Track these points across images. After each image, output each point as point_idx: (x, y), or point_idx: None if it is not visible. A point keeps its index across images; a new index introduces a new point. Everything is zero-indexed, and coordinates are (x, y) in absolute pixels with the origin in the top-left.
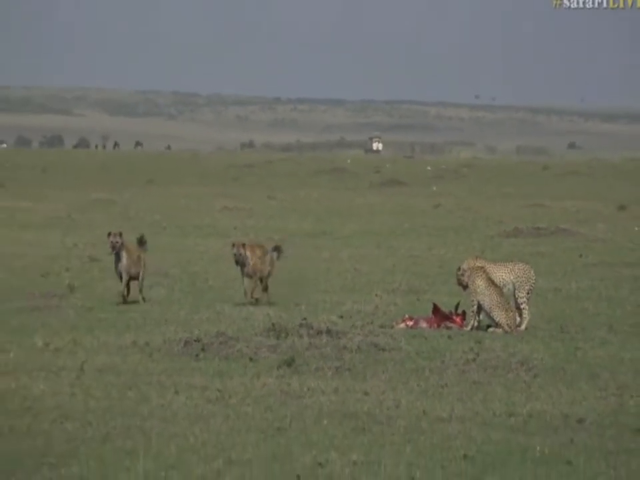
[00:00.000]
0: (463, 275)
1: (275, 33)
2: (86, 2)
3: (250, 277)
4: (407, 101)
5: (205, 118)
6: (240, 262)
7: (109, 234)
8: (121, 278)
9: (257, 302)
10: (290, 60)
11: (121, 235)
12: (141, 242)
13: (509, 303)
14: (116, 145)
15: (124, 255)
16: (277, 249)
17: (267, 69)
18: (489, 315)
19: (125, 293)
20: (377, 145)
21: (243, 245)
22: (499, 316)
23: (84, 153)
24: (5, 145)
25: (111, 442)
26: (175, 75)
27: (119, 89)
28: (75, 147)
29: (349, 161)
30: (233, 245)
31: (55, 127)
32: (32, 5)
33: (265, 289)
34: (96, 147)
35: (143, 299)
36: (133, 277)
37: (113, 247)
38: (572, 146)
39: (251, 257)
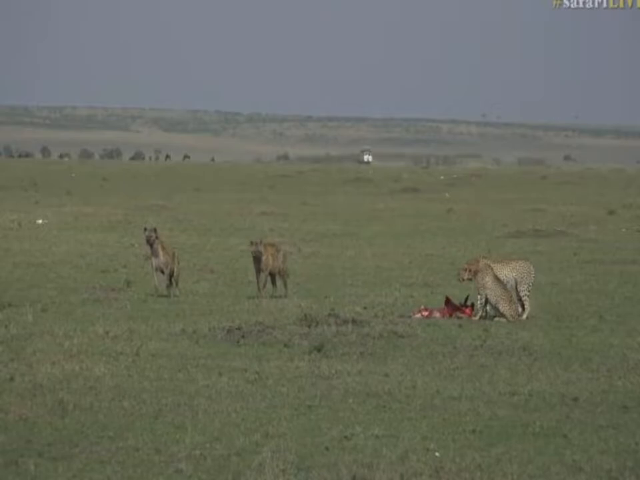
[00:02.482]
0: (472, 264)
1: (306, 61)
2: (142, 36)
3: (262, 271)
4: (423, 118)
5: (245, 134)
6: (258, 258)
7: (145, 229)
8: (162, 272)
9: (270, 297)
10: (320, 83)
11: (155, 230)
12: None
13: (512, 296)
14: (167, 157)
15: (160, 251)
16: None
17: (300, 91)
18: (494, 307)
19: (168, 286)
20: (367, 157)
21: (260, 242)
22: (504, 308)
23: (139, 164)
24: (67, 159)
25: (162, 417)
26: (220, 96)
27: (170, 108)
28: (132, 159)
29: (371, 172)
30: (251, 243)
31: (114, 141)
32: (95, 36)
33: (285, 284)
34: (150, 158)
35: (175, 295)
36: (164, 272)
37: (148, 240)
38: (567, 158)
39: (264, 253)
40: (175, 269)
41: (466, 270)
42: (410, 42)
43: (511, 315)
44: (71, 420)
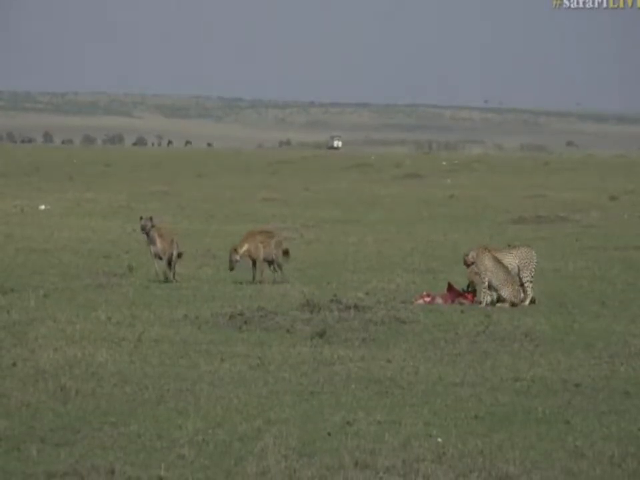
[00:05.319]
0: (467, 254)
1: (309, 47)
2: (146, 23)
3: (256, 262)
4: (425, 104)
5: (247, 119)
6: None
7: (141, 217)
8: (160, 258)
9: (272, 282)
10: (322, 69)
11: (151, 219)
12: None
13: (514, 280)
14: (170, 143)
15: (157, 238)
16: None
17: (303, 76)
18: (497, 291)
19: (167, 271)
20: (337, 143)
21: (235, 250)
22: (506, 292)
23: (142, 150)
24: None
25: (164, 403)
26: (222, 82)
27: (173, 94)
28: (134, 144)
29: (373, 157)
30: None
31: (116, 127)
32: (97, 22)
33: (280, 268)
34: (152, 144)
35: (175, 279)
36: (162, 258)
37: (143, 229)
38: (569, 144)
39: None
40: (174, 255)
41: (468, 265)
42: (412, 28)
43: (514, 297)
44: (73, 406)
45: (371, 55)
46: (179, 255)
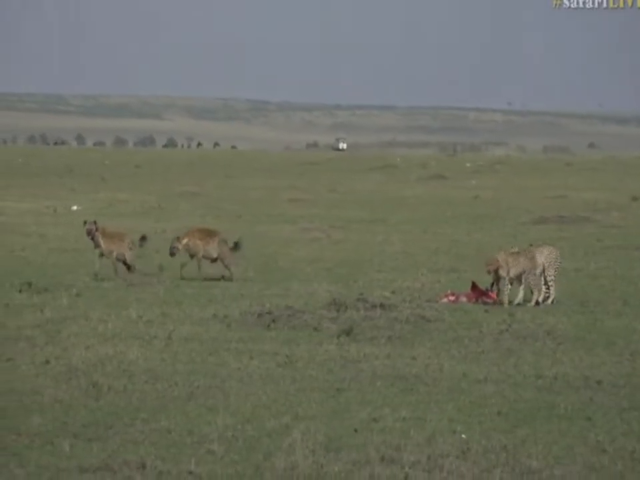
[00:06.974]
0: (491, 265)
1: (337, 51)
2: (175, 26)
3: (192, 257)
4: (449, 107)
5: (275, 122)
6: (173, 254)
7: (85, 222)
8: (102, 256)
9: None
10: (348, 73)
11: (95, 222)
12: (142, 238)
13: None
14: (199, 144)
15: (100, 239)
16: (237, 244)
17: (329, 80)
18: (526, 279)
19: (118, 268)
20: (342, 145)
21: (178, 238)
22: (533, 279)
23: (172, 151)
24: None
25: (194, 400)
26: (251, 85)
27: (202, 97)
28: (164, 146)
29: (398, 159)
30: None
31: (147, 129)
32: (127, 26)
33: (227, 268)
34: (182, 146)
35: (126, 280)
36: (118, 259)
37: (88, 233)
38: (591, 145)
39: (178, 249)
40: (127, 255)
41: (490, 272)
42: (435, 32)
43: (537, 289)
44: (105, 402)
45: (394, 62)
46: (141, 244)
